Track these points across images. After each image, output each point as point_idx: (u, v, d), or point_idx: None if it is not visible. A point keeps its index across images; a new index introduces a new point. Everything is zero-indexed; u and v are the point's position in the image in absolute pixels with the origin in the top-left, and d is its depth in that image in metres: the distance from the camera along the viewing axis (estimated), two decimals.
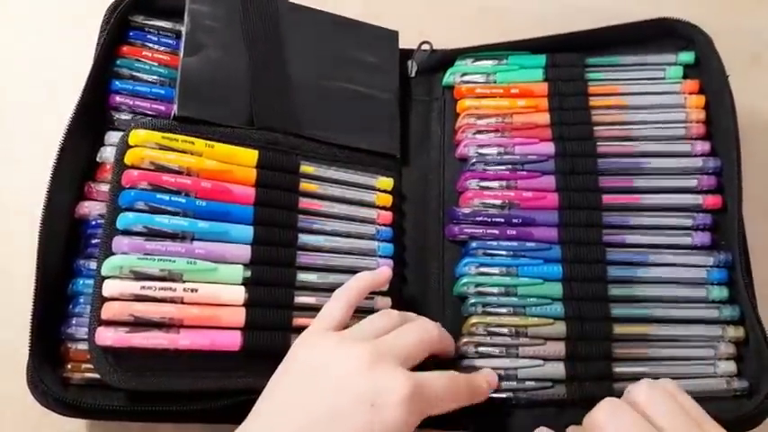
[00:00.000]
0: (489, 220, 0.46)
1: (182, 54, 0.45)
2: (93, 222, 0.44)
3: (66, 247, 0.43)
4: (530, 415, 0.43)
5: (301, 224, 0.44)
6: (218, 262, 0.41)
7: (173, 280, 0.40)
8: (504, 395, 0.43)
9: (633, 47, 0.50)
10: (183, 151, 0.42)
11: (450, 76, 0.51)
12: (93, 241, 0.43)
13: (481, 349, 0.44)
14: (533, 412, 0.43)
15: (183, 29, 0.46)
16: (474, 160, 0.48)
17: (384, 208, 0.47)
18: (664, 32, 0.50)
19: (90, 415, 0.41)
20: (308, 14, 0.50)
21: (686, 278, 0.45)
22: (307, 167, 0.45)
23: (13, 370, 0.40)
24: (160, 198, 0.41)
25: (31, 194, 0.44)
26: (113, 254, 0.39)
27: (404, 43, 0.52)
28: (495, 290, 0.45)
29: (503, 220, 0.46)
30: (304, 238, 0.44)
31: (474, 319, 0.45)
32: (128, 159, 0.41)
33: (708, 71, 0.48)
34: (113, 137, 0.45)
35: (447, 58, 0.51)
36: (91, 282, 0.41)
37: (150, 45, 0.48)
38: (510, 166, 0.48)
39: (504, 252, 0.46)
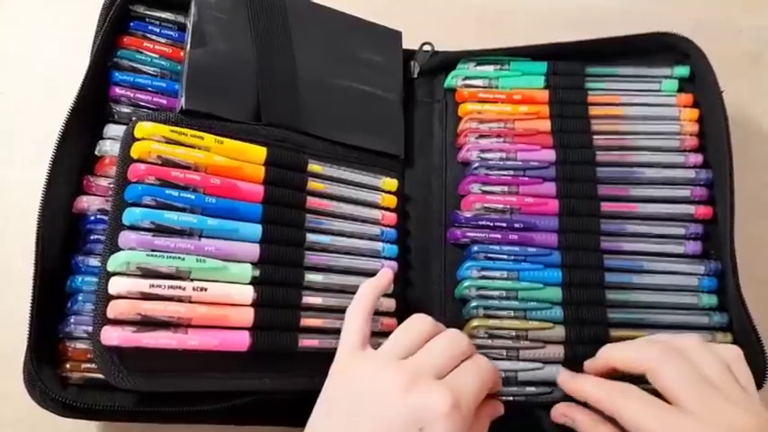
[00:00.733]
0: (492, 224, 0.47)
1: (188, 46, 0.44)
2: (93, 217, 0.42)
3: (63, 243, 0.42)
4: (529, 417, 0.44)
5: (309, 224, 0.44)
6: (227, 260, 0.40)
7: (180, 278, 0.39)
8: (503, 398, 0.44)
9: (631, 58, 0.52)
10: (192, 146, 0.41)
11: (452, 79, 0.51)
12: (92, 237, 0.42)
13: (482, 351, 0.45)
14: (533, 414, 0.44)
15: (190, 20, 0.45)
16: (477, 164, 0.48)
17: (388, 209, 0.47)
18: (661, 45, 0.51)
19: (89, 415, 0.40)
20: (314, 10, 0.49)
21: (678, 285, 0.47)
22: (314, 166, 0.45)
23: (11, 369, 0.39)
24: (169, 194, 0.40)
25: (28, 190, 0.42)
26: (119, 249, 0.38)
27: (405, 44, 0.52)
28: (496, 293, 0.46)
29: (505, 224, 0.47)
30: (312, 238, 0.44)
31: (475, 322, 0.45)
32: (134, 153, 0.40)
33: (702, 85, 0.50)
34: (113, 130, 0.44)
35: (449, 61, 0.52)
36: (90, 279, 0.40)
37: (151, 36, 0.47)
38: (512, 172, 0.48)
39: (505, 256, 0.47)
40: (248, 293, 0.40)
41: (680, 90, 0.51)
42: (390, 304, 0.45)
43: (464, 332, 0.45)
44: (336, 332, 0.40)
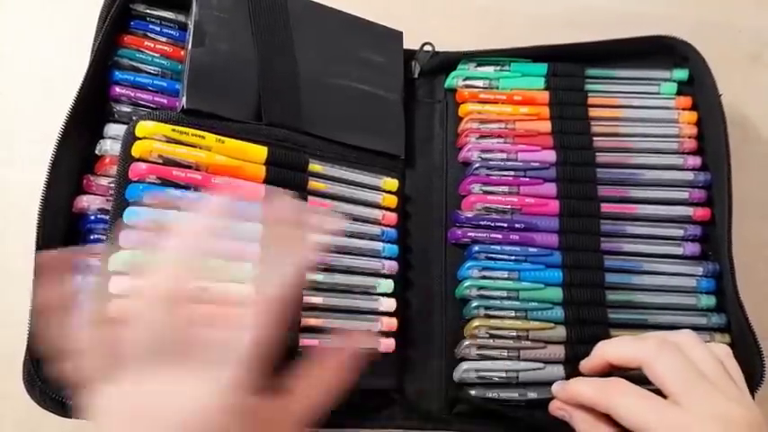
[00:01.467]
0: (492, 224, 0.47)
1: (189, 45, 0.44)
2: (93, 217, 0.42)
3: (64, 243, 0.42)
4: (530, 416, 0.44)
5: None
6: (229, 260, 0.40)
7: None
8: (505, 396, 0.44)
9: (630, 60, 0.52)
10: (193, 145, 0.41)
11: (452, 80, 0.51)
12: (93, 236, 0.42)
13: (483, 352, 0.45)
14: (534, 414, 0.44)
15: (191, 19, 0.45)
16: (477, 164, 0.48)
17: (389, 209, 0.47)
18: (660, 48, 0.51)
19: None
20: (315, 10, 0.49)
21: (677, 286, 0.47)
22: (315, 166, 0.45)
23: (11, 369, 0.38)
24: (170, 193, 0.40)
25: (28, 190, 0.42)
26: (120, 248, 0.38)
27: (406, 44, 0.52)
28: (497, 293, 0.46)
29: (506, 225, 0.47)
30: None
31: (477, 322, 0.45)
32: (135, 152, 0.40)
33: (701, 88, 0.50)
34: (113, 129, 0.44)
35: (449, 61, 0.51)
36: (90, 278, 0.40)
37: (152, 35, 0.47)
38: (513, 172, 0.48)
39: (506, 256, 0.47)
40: (249, 293, 0.40)
41: (679, 93, 0.51)
42: (390, 304, 0.45)
43: (465, 332, 0.46)
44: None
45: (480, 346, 0.45)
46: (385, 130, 0.49)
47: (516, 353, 0.45)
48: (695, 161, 0.49)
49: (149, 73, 0.46)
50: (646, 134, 0.50)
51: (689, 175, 0.49)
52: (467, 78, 0.51)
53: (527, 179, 0.48)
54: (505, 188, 0.48)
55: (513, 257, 0.47)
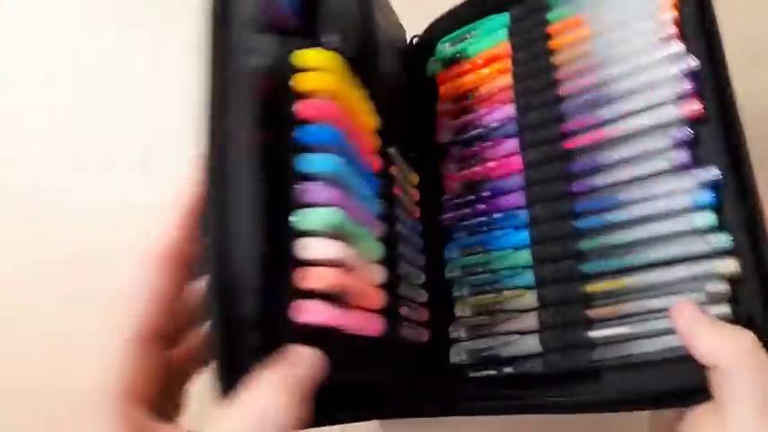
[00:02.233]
0: (462, 200, 0.46)
1: None
2: None
3: None
4: (512, 392, 0.41)
5: None
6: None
7: None
8: (485, 373, 0.42)
9: None
10: None
11: (432, 66, 0.51)
12: None
13: (471, 333, 0.44)
14: (516, 390, 0.41)
15: None
16: (450, 144, 0.48)
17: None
18: None
19: None
20: None
21: (665, 210, 0.37)
22: None
23: None
24: None
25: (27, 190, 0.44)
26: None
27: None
28: (478, 269, 0.44)
29: (474, 197, 0.45)
30: None
31: (460, 302, 0.45)
32: None
33: None
34: None
35: (428, 45, 0.51)
36: None
37: None
38: (479, 141, 0.46)
39: (479, 229, 0.45)
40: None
41: None
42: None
43: (455, 314, 0.45)
44: None
45: (470, 327, 0.44)
46: None
47: (495, 327, 0.43)
48: (677, 48, 0.38)
49: None
50: (619, 39, 0.41)
51: (673, 68, 0.38)
52: (443, 60, 0.50)
53: (490, 143, 0.45)
54: (471, 159, 0.46)
55: (484, 228, 0.44)
